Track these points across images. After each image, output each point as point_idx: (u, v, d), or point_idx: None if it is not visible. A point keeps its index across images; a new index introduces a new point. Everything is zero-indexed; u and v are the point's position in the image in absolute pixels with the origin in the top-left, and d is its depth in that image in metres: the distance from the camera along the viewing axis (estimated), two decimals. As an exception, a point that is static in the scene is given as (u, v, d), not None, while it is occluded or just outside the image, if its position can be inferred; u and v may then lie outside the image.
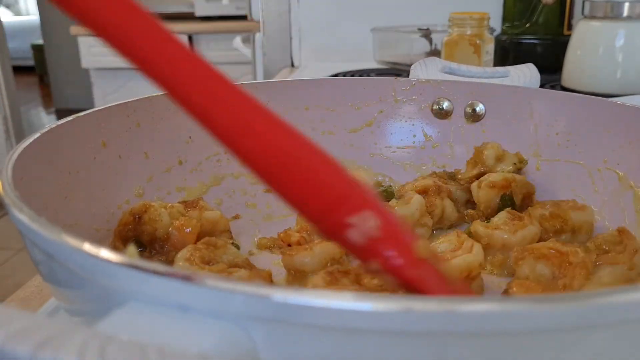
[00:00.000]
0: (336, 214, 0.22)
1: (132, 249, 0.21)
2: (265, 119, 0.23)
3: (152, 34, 0.21)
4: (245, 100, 0.22)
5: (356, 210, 0.22)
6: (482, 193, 0.43)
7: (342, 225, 0.22)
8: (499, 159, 0.46)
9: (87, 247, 0.19)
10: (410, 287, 0.23)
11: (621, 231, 0.36)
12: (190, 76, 0.22)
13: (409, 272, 0.23)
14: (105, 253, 0.19)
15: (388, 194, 0.40)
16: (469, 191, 0.45)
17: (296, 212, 0.24)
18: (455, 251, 0.35)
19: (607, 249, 0.36)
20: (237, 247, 0.39)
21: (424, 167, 0.52)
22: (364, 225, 0.22)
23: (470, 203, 0.46)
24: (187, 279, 0.17)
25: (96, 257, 0.19)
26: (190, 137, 0.48)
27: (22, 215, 0.22)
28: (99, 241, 0.37)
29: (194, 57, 0.22)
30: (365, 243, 0.22)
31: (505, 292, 0.33)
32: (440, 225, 0.44)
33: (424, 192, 0.43)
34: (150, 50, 0.21)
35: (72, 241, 0.20)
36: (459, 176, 0.47)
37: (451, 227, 0.45)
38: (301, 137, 0.23)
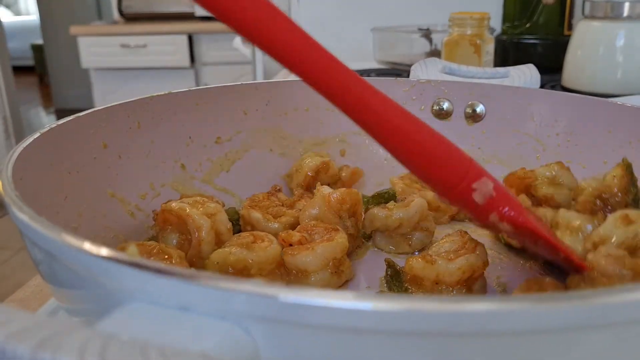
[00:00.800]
0: (465, 182, 0.29)
1: (132, 248, 0.21)
2: (406, 117, 0.28)
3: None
4: (390, 104, 0.28)
5: (478, 177, 0.29)
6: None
7: (469, 190, 0.29)
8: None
9: (88, 246, 0.19)
10: (524, 230, 0.31)
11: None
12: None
13: (521, 219, 0.30)
14: (106, 252, 0.19)
15: (390, 196, 0.41)
16: None
17: (431, 188, 0.31)
18: (458, 251, 0.35)
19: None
20: None
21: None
22: (484, 188, 0.29)
23: None
24: (188, 278, 0.17)
25: (97, 257, 0.19)
26: (190, 137, 0.47)
27: (22, 215, 0.22)
28: (99, 241, 0.37)
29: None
30: (486, 202, 0.30)
31: (520, 289, 0.32)
32: (442, 220, 0.44)
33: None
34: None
35: (72, 240, 0.20)
36: None
37: (452, 219, 0.45)
38: (433, 132, 0.29)
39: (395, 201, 0.42)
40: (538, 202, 0.40)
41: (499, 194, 0.30)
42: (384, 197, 0.40)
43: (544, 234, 0.31)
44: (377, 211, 0.40)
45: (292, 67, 0.25)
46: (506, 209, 0.30)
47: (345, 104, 0.27)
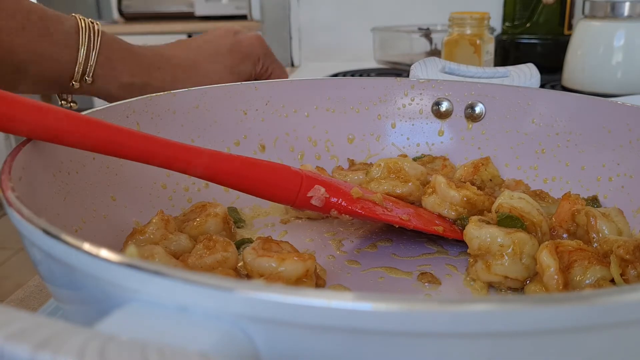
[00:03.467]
0: (301, 194, 0.37)
1: (132, 249, 0.21)
2: (239, 164, 0.36)
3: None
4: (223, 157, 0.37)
5: (310, 187, 0.37)
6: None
7: (307, 198, 0.37)
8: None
9: (87, 246, 0.19)
10: (360, 216, 0.39)
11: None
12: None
13: (354, 207, 0.38)
14: (105, 253, 0.19)
15: None
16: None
17: (278, 202, 0.38)
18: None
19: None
20: None
21: (424, 167, 0.52)
22: (317, 193, 0.37)
23: None
24: (186, 279, 0.17)
25: (96, 257, 0.19)
26: (192, 139, 0.47)
27: (21, 216, 0.22)
28: (99, 242, 0.37)
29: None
30: (323, 203, 0.38)
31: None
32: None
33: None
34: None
35: (72, 241, 0.20)
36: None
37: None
38: (267, 164, 0.38)
39: None
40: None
41: (332, 194, 0.38)
42: None
43: (374, 215, 0.39)
44: None
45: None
46: (341, 202, 0.38)
47: (199, 173, 0.35)
